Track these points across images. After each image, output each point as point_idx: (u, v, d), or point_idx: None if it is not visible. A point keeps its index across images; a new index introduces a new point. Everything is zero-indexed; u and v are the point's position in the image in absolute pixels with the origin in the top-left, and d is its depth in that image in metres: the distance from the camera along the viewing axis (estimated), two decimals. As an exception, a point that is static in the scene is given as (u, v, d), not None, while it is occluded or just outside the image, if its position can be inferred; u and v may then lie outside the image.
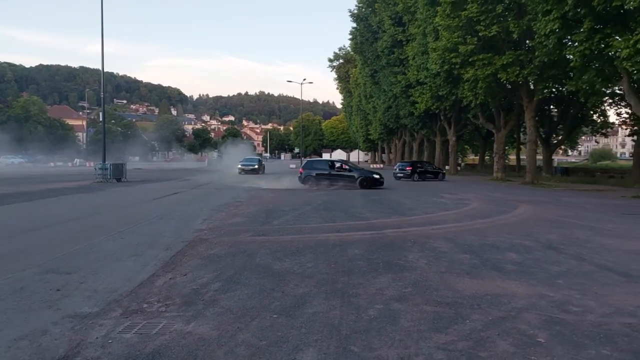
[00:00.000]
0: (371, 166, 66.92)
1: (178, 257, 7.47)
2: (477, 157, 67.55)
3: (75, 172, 42.83)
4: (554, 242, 9.06)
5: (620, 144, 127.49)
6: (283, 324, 4.48)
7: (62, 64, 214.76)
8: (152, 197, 18.14)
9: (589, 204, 17.71)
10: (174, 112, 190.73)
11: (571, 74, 26.31)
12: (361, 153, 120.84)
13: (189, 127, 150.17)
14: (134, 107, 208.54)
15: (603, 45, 19.37)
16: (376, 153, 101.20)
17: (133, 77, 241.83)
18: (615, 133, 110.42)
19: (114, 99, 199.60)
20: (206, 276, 6.29)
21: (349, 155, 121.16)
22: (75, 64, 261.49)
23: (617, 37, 18.62)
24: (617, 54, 18.14)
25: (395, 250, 8.10)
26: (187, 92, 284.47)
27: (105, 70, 29.35)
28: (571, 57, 22.56)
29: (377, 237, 9.52)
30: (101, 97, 29.96)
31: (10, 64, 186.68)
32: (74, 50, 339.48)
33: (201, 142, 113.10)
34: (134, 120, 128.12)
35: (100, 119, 30.34)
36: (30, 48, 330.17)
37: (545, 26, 20.76)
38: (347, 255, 7.75)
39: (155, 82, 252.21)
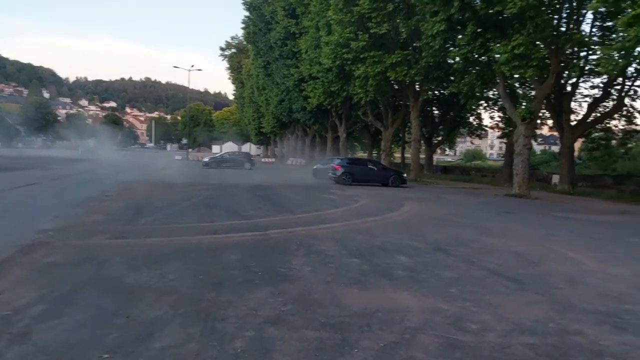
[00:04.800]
0: (262, 160, 65.73)
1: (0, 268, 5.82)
2: (366, 154, 69.55)
3: None
4: (441, 242, 8.77)
5: (490, 146, 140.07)
6: (116, 368, 3.30)
7: None
8: (-2, 189, 15.36)
9: (468, 201, 18.40)
10: (46, 95, 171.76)
11: (452, 78, 27.61)
12: (253, 146, 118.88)
13: (63, 112, 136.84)
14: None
15: (483, 50, 20.28)
16: (269, 147, 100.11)
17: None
18: (486, 135, 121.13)
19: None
20: (29, 295, 4.81)
21: (240, 148, 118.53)
22: None
23: (496, 43, 19.55)
24: (496, 58, 19.05)
25: (277, 255, 7.17)
26: (63, 73, 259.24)
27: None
28: (454, 60, 23.49)
29: (259, 239, 8.53)
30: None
31: None
32: None
33: (76, 128, 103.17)
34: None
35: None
36: None
37: (432, 27, 21.27)
38: (222, 262, 6.66)
39: (24, 60, 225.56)
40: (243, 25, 60.34)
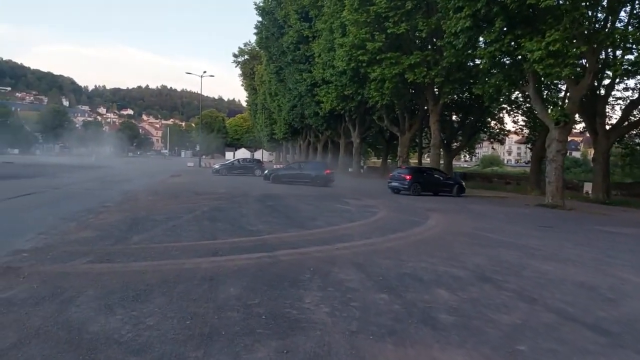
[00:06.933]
0: (274, 166, 64.49)
1: None
2: (379, 160, 67.86)
3: None
4: (485, 269, 7.26)
5: (507, 151, 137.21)
6: None
7: None
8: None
9: (499, 213, 16.79)
10: (65, 103, 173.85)
11: (472, 80, 26.03)
12: (266, 152, 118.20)
13: (81, 119, 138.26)
14: (19, 95, 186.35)
15: (512, 48, 18.71)
16: (281, 153, 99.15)
17: (19, 62, 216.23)
18: (503, 140, 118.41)
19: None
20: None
21: (253, 154, 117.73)
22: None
23: (528, 40, 17.96)
24: (529, 56, 17.45)
25: (287, 288, 5.76)
26: (82, 82, 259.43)
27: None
28: (478, 60, 21.94)
29: (266, 262, 7.13)
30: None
31: None
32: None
33: (92, 136, 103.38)
34: (18, 109, 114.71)
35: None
36: None
37: (456, 24, 19.74)
38: (218, 298, 5.28)
39: (44, 69, 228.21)
40: (255, 31, 59.46)
